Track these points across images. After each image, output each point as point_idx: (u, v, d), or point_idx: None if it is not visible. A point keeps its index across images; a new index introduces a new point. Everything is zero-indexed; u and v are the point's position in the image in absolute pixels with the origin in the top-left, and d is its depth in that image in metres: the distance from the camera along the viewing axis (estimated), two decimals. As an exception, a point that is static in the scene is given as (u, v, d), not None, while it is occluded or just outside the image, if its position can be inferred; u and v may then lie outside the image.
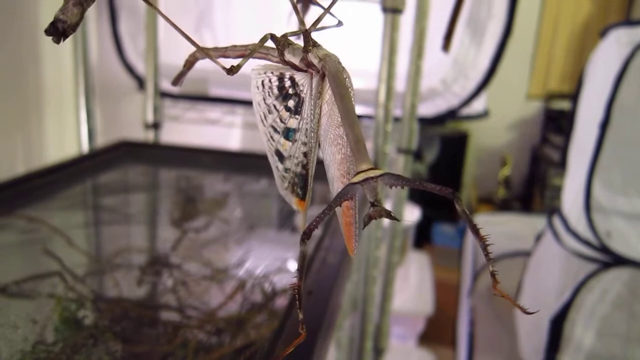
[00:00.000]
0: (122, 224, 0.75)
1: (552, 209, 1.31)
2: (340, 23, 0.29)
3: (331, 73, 0.26)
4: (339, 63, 0.26)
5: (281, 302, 0.71)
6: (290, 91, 0.29)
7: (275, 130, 0.30)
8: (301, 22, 0.28)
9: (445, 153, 2.49)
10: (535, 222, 1.73)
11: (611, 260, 1.06)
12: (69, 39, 0.88)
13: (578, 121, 1.21)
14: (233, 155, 1.00)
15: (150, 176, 0.90)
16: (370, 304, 0.86)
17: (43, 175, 0.71)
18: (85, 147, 0.91)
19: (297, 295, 0.23)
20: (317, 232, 0.70)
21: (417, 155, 2.22)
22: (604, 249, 1.06)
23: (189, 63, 0.34)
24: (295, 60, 0.28)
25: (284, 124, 0.30)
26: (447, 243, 2.40)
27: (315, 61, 0.27)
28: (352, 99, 0.26)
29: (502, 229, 1.87)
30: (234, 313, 0.68)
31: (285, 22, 0.58)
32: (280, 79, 0.29)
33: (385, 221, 0.95)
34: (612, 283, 1.11)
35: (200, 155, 0.93)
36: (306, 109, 0.29)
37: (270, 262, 0.83)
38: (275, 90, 0.30)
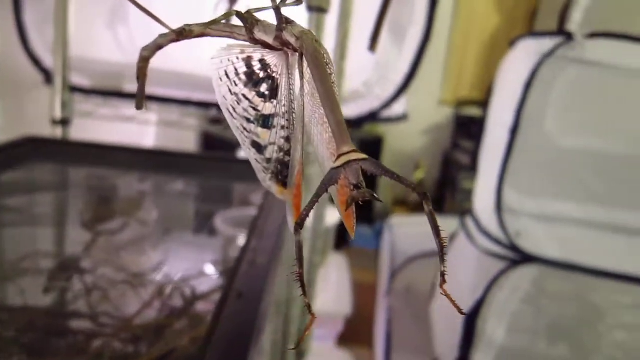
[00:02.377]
0: (27, 226, 0.69)
1: (464, 211, 1.37)
2: (299, 1, 0.28)
3: (309, 52, 0.24)
4: (316, 41, 0.25)
5: (202, 306, 0.68)
6: (262, 75, 0.27)
7: (248, 120, 0.28)
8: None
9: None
10: (448, 223, 1.80)
11: (520, 258, 1.11)
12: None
13: (489, 126, 1.26)
14: (148, 153, 0.96)
15: (59, 175, 0.84)
16: (294, 306, 0.85)
17: None
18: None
19: (300, 283, 0.23)
20: (244, 234, 0.68)
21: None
22: (513, 247, 1.11)
23: (142, 70, 0.29)
24: (268, 39, 0.26)
25: (258, 111, 0.28)
26: (365, 244, 2.44)
27: (292, 40, 0.26)
28: (332, 76, 0.25)
29: (416, 229, 1.93)
30: (153, 319, 0.64)
31: (212, 12, 0.55)
32: (248, 64, 0.27)
33: (309, 222, 0.94)
34: (521, 280, 1.17)
35: (113, 153, 0.88)
36: (283, 90, 0.27)
37: (189, 266, 0.80)
38: (243, 77, 0.27)
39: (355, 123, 1.07)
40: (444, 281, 0.24)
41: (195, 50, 1.10)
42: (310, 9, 0.76)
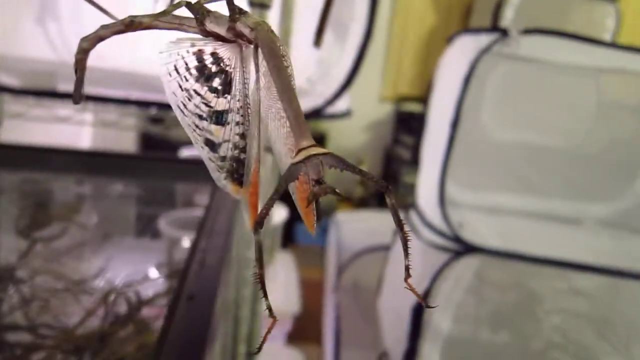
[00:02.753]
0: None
1: (407, 205, 1.39)
2: None
3: (265, 44, 0.24)
4: (272, 32, 0.24)
5: (149, 312, 0.66)
6: (214, 69, 0.26)
7: (200, 117, 0.26)
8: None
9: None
10: (391, 218, 1.83)
11: (463, 249, 1.14)
12: None
13: (430, 121, 1.29)
14: (85, 154, 0.92)
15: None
16: (243, 306, 0.84)
17: None
18: None
19: (261, 284, 0.23)
20: (190, 235, 0.66)
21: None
22: (456, 238, 1.14)
23: (81, 62, 0.28)
24: (221, 30, 0.25)
25: (211, 107, 0.26)
26: (310, 241, 2.44)
27: (246, 31, 0.25)
28: (289, 68, 0.25)
29: (361, 225, 1.95)
30: (97, 328, 0.62)
31: (152, 6, 0.53)
32: (199, 57, 0.26)
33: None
34: (464, 270, 1.20)
35: (48, 155, 0.84)
36: (237, 84, 0.26)
37: (134, 270, 0.77)
38: (194, 72, 0.26)
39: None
40: (408, 275, 0.24)
41: (133, 46, 1.07)
42: (253, 4, 0.75)
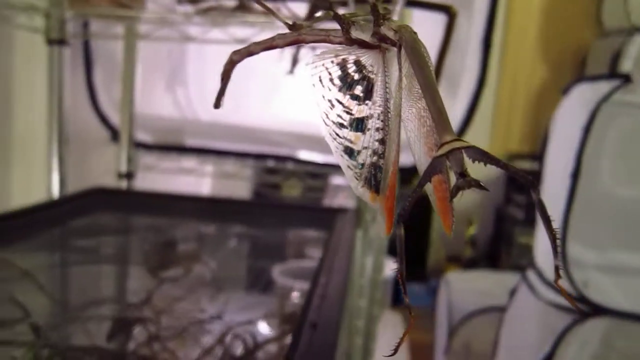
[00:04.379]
0: (92, 270, 0.70)
1: (522, 265, 1.32)
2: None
3: (408, 44, 0.25)
4: (415, 33, 0.25)
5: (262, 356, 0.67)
6: (357, 77, 0.27)
7: (341, 125, 0.27)
8: None
9: (413, 210, 2.50)
10: (505, 279, 1.73)
11: (589, 309, 1.06)
12: (45, 86, 0.86)
13: (546, 177, 1.23)
14: (207, 200, 0.97)
15: (124, 223, 0.87)
16: (355, 356, 0.83)
17: (9, 219, 0.67)
18: (55, 195, 0.87)
19: (401, 280, 0.22)
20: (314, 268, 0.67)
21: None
22: (581, 298, 1.06)
23: (227, 73, 0.31)
24: (365, 37, 0.27)
25: (352, 115, 0.27)
26: (417, 302, 2.37)
27: (390, 34, 0.26)
28: (431, 69, 0.25)
29: (473, 285, 1.87)
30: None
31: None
32: (342, 66, 0.27)
33: (368, 271, 0.93)
34: (590, 334, 1.10)
35: (176, 202, 0.90)
36: (378, 89, 0.27)
37: (249, 315, 0.79)
38: (337, 82, 0.27)
39: (406, 174, 1.06)
40: (558, 276, 0.23)
41: (256, 104, 1.14)
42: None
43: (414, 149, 0.28)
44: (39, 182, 0.89)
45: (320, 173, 1.26)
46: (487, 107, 2.70)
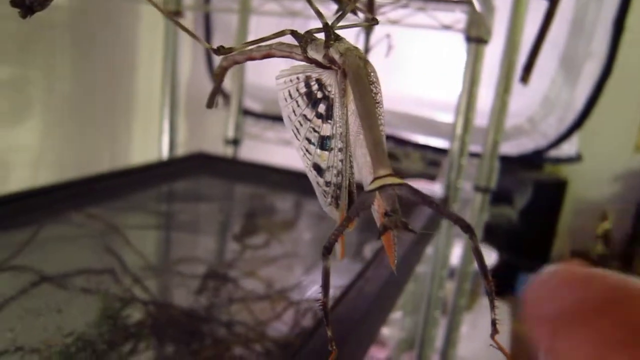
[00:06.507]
0: (185, 232, 0.76)
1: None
2: (374, 20, 0.27)
3: (351, 69, 0.24)
4: (361, 58, 0.24)
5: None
6: (319, 95, 0.26)
7: (310, 142, 0.27)
8: (318, 14, 0.26)
9: (539, 200, 2.35)
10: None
11: None
12: (161, 54, 0.93)
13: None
14: (303, 176, 0.99)
15: (221, 189, 0.92)
16: (429, 346, 0.81)
17: (114, 178, 0.74)
18: (164, 156, 0.95)
19: (324, 312, 0.22)
20: (360, 262, 0.67)
21: (507, 199, 2.12)
22: None
23: (219, 76, 0.32)
24: (319, 57, 0.26)
25: (318, 132, 0.27)
26: (532, 295, 2.24)
27: (336, 56, 0.25)
28: (378, 95, 0.24)
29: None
30: (284, 335, 0.66)
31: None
32: (307, 83, 0.27)
33: (455, 261, 0.90)
34: None
35: (274, 174, 0.93)
36: (337, 110, 0.26)
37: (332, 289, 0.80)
38: (305, 98, 0.27)
39: (528, 163, 1.00)
40: (495, 331, 0.21)
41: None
42: (469, 39, 0.74)
43: (361, 175, 0.27)
44: (154, 143, 0.97)
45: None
46: (635, 97, 2.42)
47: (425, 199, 0.20)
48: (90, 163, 0.92)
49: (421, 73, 1.15)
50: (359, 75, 0.23)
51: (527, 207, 2.27)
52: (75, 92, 0.87)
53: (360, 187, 0.27)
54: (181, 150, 1.00)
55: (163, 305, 0.60)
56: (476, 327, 1.33)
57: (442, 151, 1.03)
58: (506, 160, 0.94)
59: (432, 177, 1.14)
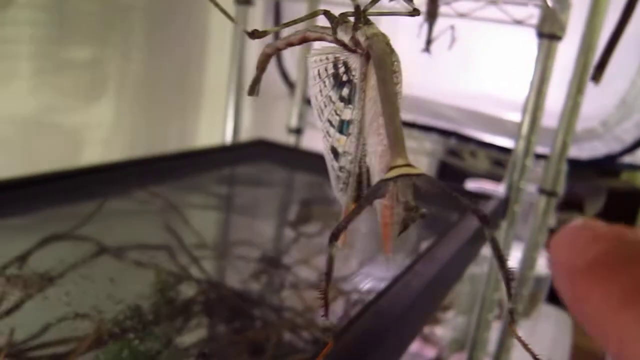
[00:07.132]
0: (241, 215, 0.78)
1: None
2: (415, 11, 0.26)
3: (376, 54, 0.23)
4: (388, 44, 0.24)
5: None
6: (344, 78, 0.26)
7: (331, 124, 0.27)
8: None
9: (613, 208, 2.23)
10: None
11: None
12: (230, 42, 0.95)
13: None
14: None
15: (280, 176, 0.93)
16: (480, 348, 0.80)
17: (179, 158, 0.77)
18: (228, 141, 0.97)
19: (324, 300, 0.21)
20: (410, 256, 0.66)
21: (578, 206, 2.03)
22: None
23: (262, 63, 0.32)
24: (346, 39, 0.26)
25: (339, 116, 0.26)
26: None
27: (361, 39, 0.25)
28: (398, 85, 0.24)
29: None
30: (329, 325, 0.66)
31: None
32: (335, 64, 0.26)
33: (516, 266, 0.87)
34: None
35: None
36: (356, 96, 0.26)
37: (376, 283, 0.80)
38: (331, 79, 0.26)
39: (588, 165, 0.95)
40: (513, 321, 0.21)
41: (437, 77, 1.12)
42: (541, 35, 0.71)
43: (370, 164, 0.26)
44: (220, 128, 0.99)
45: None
46: None
47: (444, 190, 0.19)
48: (159, 143, 0.96)
49: (490, 69, 1.12)
50: (383, 61, 0.23)
51: (599, 215, 2.17)
52: (148, 75, 0.91)
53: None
54: (245, 137, 1.02)
55: (214, 285, 0.62)
56: (534, 335, 1.28)
57: (510, 151, 1.00)
58: (577, 165, 0.90)
59: (498, 178, 1.11)
